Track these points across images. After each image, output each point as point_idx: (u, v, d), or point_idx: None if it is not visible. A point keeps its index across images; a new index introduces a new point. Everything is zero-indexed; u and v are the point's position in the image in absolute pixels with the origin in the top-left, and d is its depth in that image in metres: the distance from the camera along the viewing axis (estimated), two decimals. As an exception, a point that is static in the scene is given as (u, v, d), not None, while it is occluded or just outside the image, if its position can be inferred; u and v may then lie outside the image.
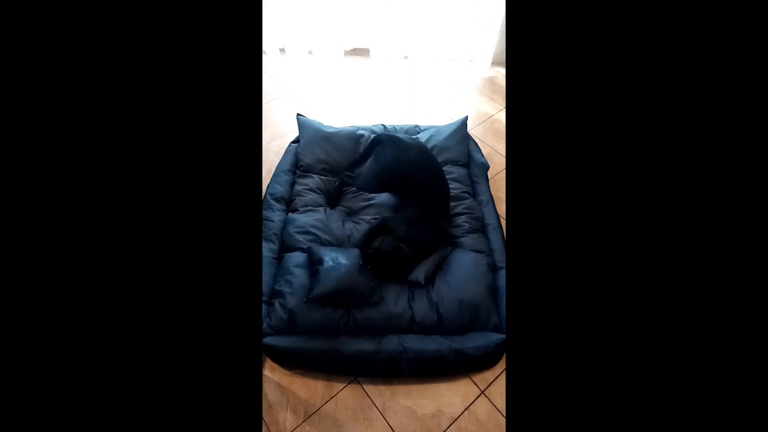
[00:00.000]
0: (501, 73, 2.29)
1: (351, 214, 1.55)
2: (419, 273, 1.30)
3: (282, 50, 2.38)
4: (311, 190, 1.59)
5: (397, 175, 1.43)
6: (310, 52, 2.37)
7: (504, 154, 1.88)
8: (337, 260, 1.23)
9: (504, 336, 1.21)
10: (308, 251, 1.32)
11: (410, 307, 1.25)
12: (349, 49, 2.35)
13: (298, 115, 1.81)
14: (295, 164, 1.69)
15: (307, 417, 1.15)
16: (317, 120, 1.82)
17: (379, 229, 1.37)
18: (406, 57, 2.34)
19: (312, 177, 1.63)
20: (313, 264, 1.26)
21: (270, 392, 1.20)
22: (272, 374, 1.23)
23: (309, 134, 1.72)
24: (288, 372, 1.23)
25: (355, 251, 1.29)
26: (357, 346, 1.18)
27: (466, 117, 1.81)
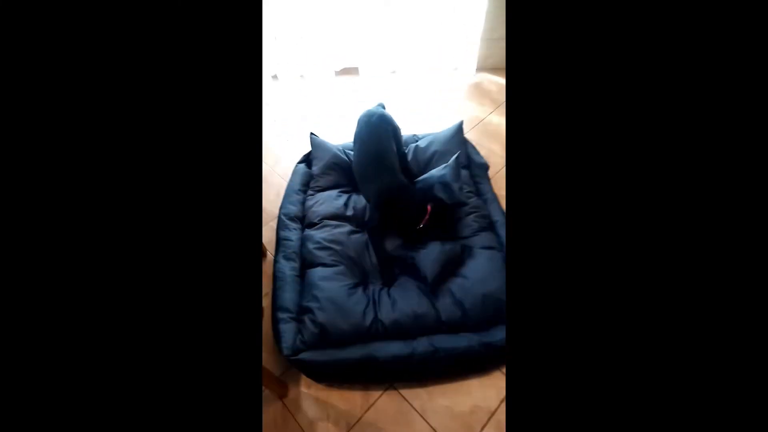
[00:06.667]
0: (487, 78, 2.39)
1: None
2: (425, 267, 1.35)
3: (275, 77, 2.45)
4: (323, 192, 1.66)
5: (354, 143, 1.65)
6: (302, 76, 2.44)
7: (501, 154, 1.96)
8: None
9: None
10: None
11: (434, 306, 1.28)
12: (339, 69, 2.43)
13: (312, 134, 1.86)
14: (306, 183, 1.74)
15: (350, 428, 1.16)
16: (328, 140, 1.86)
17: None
18: (393, 72, 2.43)
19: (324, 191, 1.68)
20: None
21: (309, 409, 1.21)
22: (309, 390, 1.24)
23: (325, 155, 1.75)
24: (324, 387, 1.25)
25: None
26: (390, 350, 1.20)
27: (461, 122, 1.89)
